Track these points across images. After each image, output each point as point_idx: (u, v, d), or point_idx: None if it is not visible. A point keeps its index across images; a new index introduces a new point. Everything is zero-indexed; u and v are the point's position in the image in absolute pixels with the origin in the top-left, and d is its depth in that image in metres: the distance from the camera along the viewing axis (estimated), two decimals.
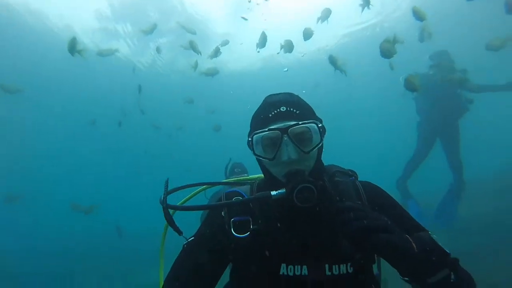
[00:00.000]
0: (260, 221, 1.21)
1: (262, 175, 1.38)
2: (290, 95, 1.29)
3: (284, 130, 1.14)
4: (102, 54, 11.01)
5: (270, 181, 1.25)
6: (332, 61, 5.53)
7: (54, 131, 18.82)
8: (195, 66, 8.72)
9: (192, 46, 7.59)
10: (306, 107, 1.27)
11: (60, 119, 18.12)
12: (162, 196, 1.24)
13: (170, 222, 1.21)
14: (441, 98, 6.28)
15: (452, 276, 0.95)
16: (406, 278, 0.99)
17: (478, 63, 8.89)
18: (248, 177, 1.65)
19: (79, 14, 12.29)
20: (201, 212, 3.61)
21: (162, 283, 1.35)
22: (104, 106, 16.87)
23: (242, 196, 1.28)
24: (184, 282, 1.18)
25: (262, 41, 7.95)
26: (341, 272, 1.15)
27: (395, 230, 0.95)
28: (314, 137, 1.19)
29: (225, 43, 10.27)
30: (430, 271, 0.93)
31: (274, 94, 1.30)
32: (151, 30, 9.84)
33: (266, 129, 1.18)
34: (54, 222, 15.61)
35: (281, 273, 1.16)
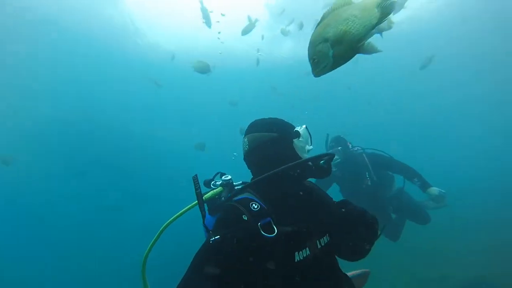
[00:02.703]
0: (280, 219, 1.40)
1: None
2: None
3: None
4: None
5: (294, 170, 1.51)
6: None
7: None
8: None
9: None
10: None
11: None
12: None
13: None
14: None
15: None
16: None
17: None
18: (214, 191, 1.62)
19: None
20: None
21: None
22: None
23: (255, 201, 1.43)
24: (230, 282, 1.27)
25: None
26: (325, 242, 1.53)
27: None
28: None
29: None
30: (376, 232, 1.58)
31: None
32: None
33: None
34: None
35: (296, 260, 1.38)
